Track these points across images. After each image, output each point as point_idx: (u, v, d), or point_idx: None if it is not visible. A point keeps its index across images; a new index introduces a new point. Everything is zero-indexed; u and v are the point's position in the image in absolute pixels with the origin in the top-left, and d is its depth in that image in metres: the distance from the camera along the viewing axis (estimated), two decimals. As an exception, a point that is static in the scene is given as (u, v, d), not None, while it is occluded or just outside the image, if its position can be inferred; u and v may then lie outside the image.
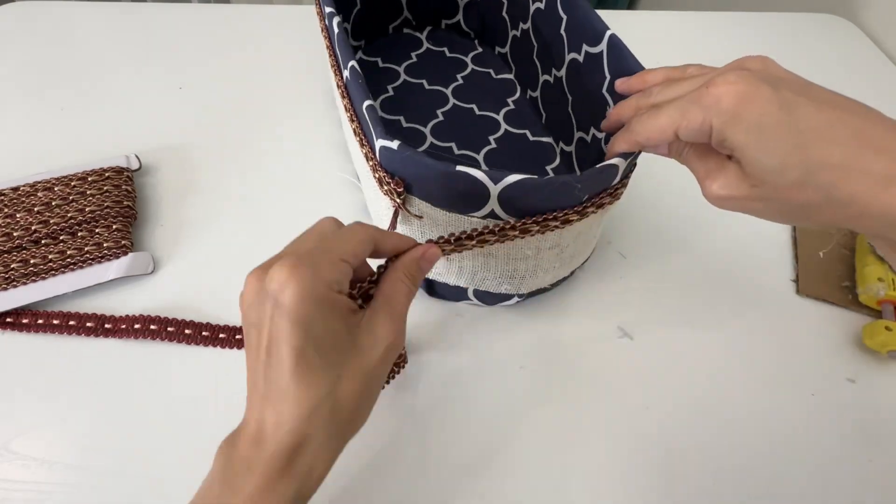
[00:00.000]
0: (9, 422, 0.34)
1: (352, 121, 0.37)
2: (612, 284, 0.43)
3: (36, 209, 0.42)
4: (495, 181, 0.28)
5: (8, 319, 0.38)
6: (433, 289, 0.40)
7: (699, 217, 0.48)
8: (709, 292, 0.43)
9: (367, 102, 0.32)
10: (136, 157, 0.47)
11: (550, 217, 0.31)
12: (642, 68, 0.36)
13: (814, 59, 0.66)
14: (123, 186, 0.44)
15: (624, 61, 0.37)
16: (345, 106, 0.38)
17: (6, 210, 0.42)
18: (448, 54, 0.59)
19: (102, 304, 0.40)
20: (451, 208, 0.31)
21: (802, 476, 0.34)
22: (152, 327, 0.38)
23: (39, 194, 0.43)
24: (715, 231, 0.47)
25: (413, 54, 0.59)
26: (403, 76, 0.56)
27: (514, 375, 0.38)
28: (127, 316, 0.38)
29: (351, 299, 0.25)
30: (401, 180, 0.31)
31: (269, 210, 0.46)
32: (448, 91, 0.55)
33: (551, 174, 0.48)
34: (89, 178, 0.44)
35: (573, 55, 0.43)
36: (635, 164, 0.36)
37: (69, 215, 0.41)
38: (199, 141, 0.51)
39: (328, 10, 0.39)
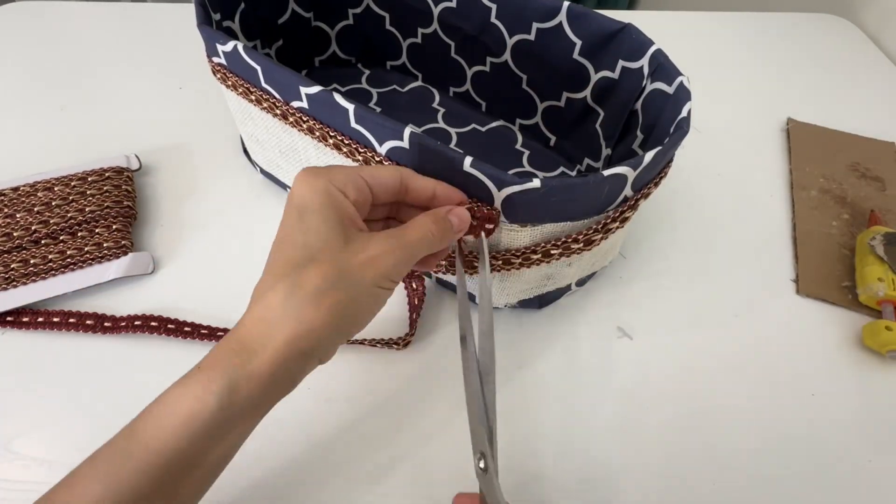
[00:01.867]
0: (9, 422, 0.34)
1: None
2: (612, 284, 0.43)
3: (36, 209, 0.42)
4: (635, 167, 0.29)
5: (8, 318, 0.38)
6: (544, 300, 0.39)
7: (699, 217, 0.48)
8: (709, 292, 0.43)
9: (468, 160, 0.29)
10: (136, 157, 0.47)
11: (662, 175, 0.34)
12: (619, 24, 0.39)
13: (814, 59, 0.66)
14: (123, 186, 0.44)
15: (594, 23, 0.39)
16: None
17: (6, 210, 0.42)
18: (342, 89, 0.54)
19: (102, 303, 0.40)
20: (587, 215, 0.31)
21: (802, 476, 0.34)
22: (152, 324, 0.38)
23: (39, 194, 0.43)
24: (715, 231, 0.47)
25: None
26: None
27: (512, 375, 0.38)
28: (127, 315, 0.38)
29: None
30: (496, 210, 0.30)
31: (270, 209, 0.46)
32: None
33: (525, 151, 0.50)
34: (89, 179, 0.44)
35: (520, 36, 0.44)
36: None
37: (69, 215, 0.41)
38: (199, 141, 0.51)
39: (314, 90, 0.33)
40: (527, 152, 0.50)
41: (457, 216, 0.29)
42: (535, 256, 0.33)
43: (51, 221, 0.41)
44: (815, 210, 0.49)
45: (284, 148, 0.40)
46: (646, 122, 0.39)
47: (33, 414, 0.35)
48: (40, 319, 0.38)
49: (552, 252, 0.33)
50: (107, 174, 0.44)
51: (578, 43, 0.41)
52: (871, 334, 0.39)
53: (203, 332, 0.38)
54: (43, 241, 0.41)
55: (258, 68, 0.35)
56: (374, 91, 0.55)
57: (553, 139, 0.49)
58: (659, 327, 0.41)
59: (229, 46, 0.36)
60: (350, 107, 0.32)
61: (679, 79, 0.35)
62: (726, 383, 0.38)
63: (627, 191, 0.31)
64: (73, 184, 0.43)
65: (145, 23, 0.64)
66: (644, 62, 0.38)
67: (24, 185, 0.43)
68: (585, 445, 0.35)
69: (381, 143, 0.32)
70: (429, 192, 0.29)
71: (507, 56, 0.46)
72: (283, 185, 0.45)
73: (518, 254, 0.33)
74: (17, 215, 0.41)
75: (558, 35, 0.42)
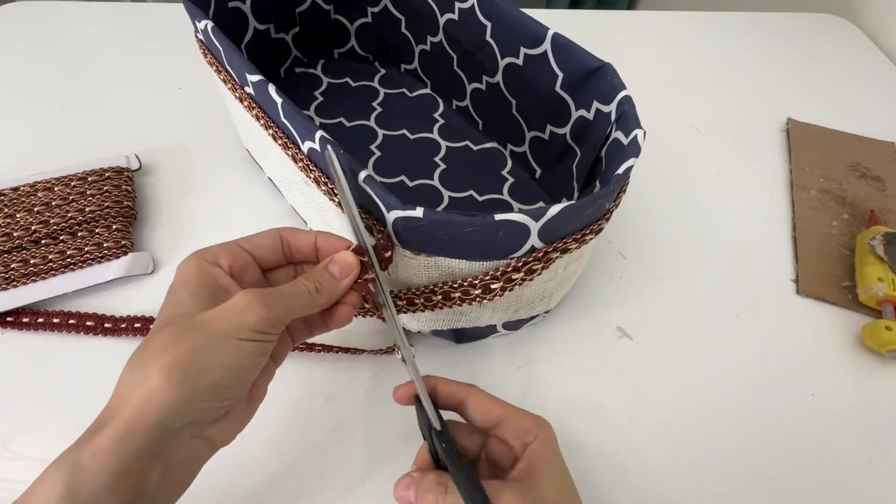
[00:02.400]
0: (9, 422, 0.34)
1: (332, 194, 0.32)
2: (612, 284, 0.43)
3: (36, 209, 0.42)
4: (537, 218, 0.27)
5: (8, 318, 0.38)
6: (462, 336, 0.37)
7: (699, 217, 0.48)
8: (709, 292, 0.43)
9: (363, 174, 0.28)
10: (136, 157, 0.47)
11: (588, 232, 0.31)
12: (598, 62, 0.37)
13: (814, 59, 0.66)
14: (123, 186, 0.44)
15: (575, 57, 0.38)
16: (315, 179, 0.33)
17: (6, 210, 0.42)
18: (353, 84, 0.55)
19: (102, 304, 0.40)
20: (485, 258, 0.30)
21: (802, 476, 0.34)
22: (152, 326, 0.38)
23: (39, 194, 0.43)
24: (715, 231, 0.47)
25: (316, 94, 0.54)
26: (318, 119, 0.52)
27: (513, 375, 0.38)
28: (127, 316, 0.38)
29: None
30: (389, 233, 0.29)
31: (270, 208, 0.46)
32: (372, 123, 0.52)
33: (509, 178, 0.48)
34: (89, 179, 0.44)
35: (509, 59, 0.43)
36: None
37: (69, 215, 0.41)
38: (198, 141, 0.51)
39: (255, 78, 0.34)
40: (511, 180, 0.48)
41: (337, 264, 0.27)
42: (435, 298, 0.31)
43: (51, 221, 0.41)
44: (815, 210, 0.49)
45: (249, 127, 0.41)
46: (606, 171, 0.35)
47: (33, 414, 0.35)
48: (40, 320, 0.38)
49: (452, 295, 0.31)
50: (107, 174, 0.44)
51: (560, 76, 0.39)
52: (871, 334, 0.39)
53: None
54: (43, 241, 0.41)
55: (221, 49, 0.36)
56: (382, 90, 0.55)
57: (538, 171, 0.48)
58: (659, 327, 0.41)
59: (202, 24, 0.37)
60: (279, 101, 0.32)
61: (635, 132, 0.32)
62: (726, 383, 0.38)
63: (535, 241, 0.29)
64: (73, 184, 0.43)
65: (145, 23, 0.64)
66: (612, 107, 0.36)
67: (24, 185, 0.43)
68: (583, 444, 0.35)
69: (303, 142, 0.32)
70: (310, 244, 0.28)
71: (499, 77, 0.46)
72: (258, 164, 0.47)
73: (419, 293, 0.31)
74: (18, 215, 0.41)
75: (543, 64, 0.40)
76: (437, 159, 0.50)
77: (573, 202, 0.28)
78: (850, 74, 0.64)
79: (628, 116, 0.34)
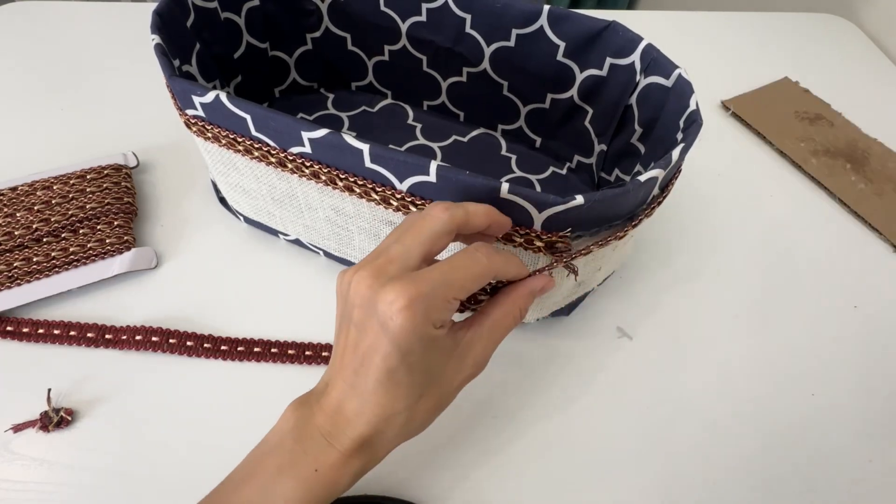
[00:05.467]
0: (9, 422, 0.34)
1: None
2: (611, 284, 0.43)
3: (36, 208, 0.42)
4: (665, 167, 0.29)
5: (8, 328, 0.37)
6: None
7: (698, 215, 0.48)
8: (709, 291, 0.43)
9: (505, 186, 0.27)
10: (134, 154, 0.47)
11: (675, 175, 0.34)
12: (603, 22, 0.39)
13: (814, 59, 0.66)
14: (123, 183, 0.44)
15: (577, 23, 0.39)
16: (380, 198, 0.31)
17: (6, 210, 0.42)
18: (309, 117, 0.52)
19: (106, 300, 0.40)
20: (618, 221, 0.31)
21: (802, 476, 0.34)
22: (154, 339, 0.37)
23: (38, 193, 0.43)
24: (714, 230, 0.47)
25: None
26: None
27: (513, 374, 0.38)
28: (128, 326, 0.38)
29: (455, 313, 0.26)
30: (567, 234, 0.29)
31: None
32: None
33: (512, 156, 0.50)
34: (88, 176, 0.44)
35: (499, 44, 0.44)
36: None
37: (70, 213, 0.41)
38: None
39: (320, 133, 0.30)
40: (514, 157, 0.49)
41: (544, 293, 0.29)
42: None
43: (52, 219, 0.41)
44: (832, 177, 0.50)
45: (279, 195, 0.37)
46: (644, 115, 0.39)
47: (33, 414, 0.34)
48: (41, 331, 0.37)
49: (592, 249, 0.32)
50: (105, 171, 0.44)
51: (562, 45, 0.41)
52: None
53: (206, 345, 0.37)
54: (45, 239, 0.41)
55: (248, 117, 0.32)
56: (344, 116, 0.52)
57: (538, 140, 0.49)
58: (659, 327, 0.41)
59: (209, 97, 0.32)
60: (364, 147, 0.29)
61: (676, 71, 0.35)
62: (726, 382, 0.38)
63: (655, 190, 0.31)
64: (72, 182, 0.43)
65: (145, 23, 0.64)
66: (635, 58, 0.38)
67: (22, 185, 0.43)
68: (583, 444, 0.35)
69: (401, 181, 0.30)
70: (514, 276, 0.28)
71: (485, 65, 0.45)
72: (275, 232, 0.43)
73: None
74: (18, 214, 0.41)
75: (540, 39, 0.41)
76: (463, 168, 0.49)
77: (683, 144, 0.30)
78: (851, 74, 0.64)
79: (659, 61, 0.36)
